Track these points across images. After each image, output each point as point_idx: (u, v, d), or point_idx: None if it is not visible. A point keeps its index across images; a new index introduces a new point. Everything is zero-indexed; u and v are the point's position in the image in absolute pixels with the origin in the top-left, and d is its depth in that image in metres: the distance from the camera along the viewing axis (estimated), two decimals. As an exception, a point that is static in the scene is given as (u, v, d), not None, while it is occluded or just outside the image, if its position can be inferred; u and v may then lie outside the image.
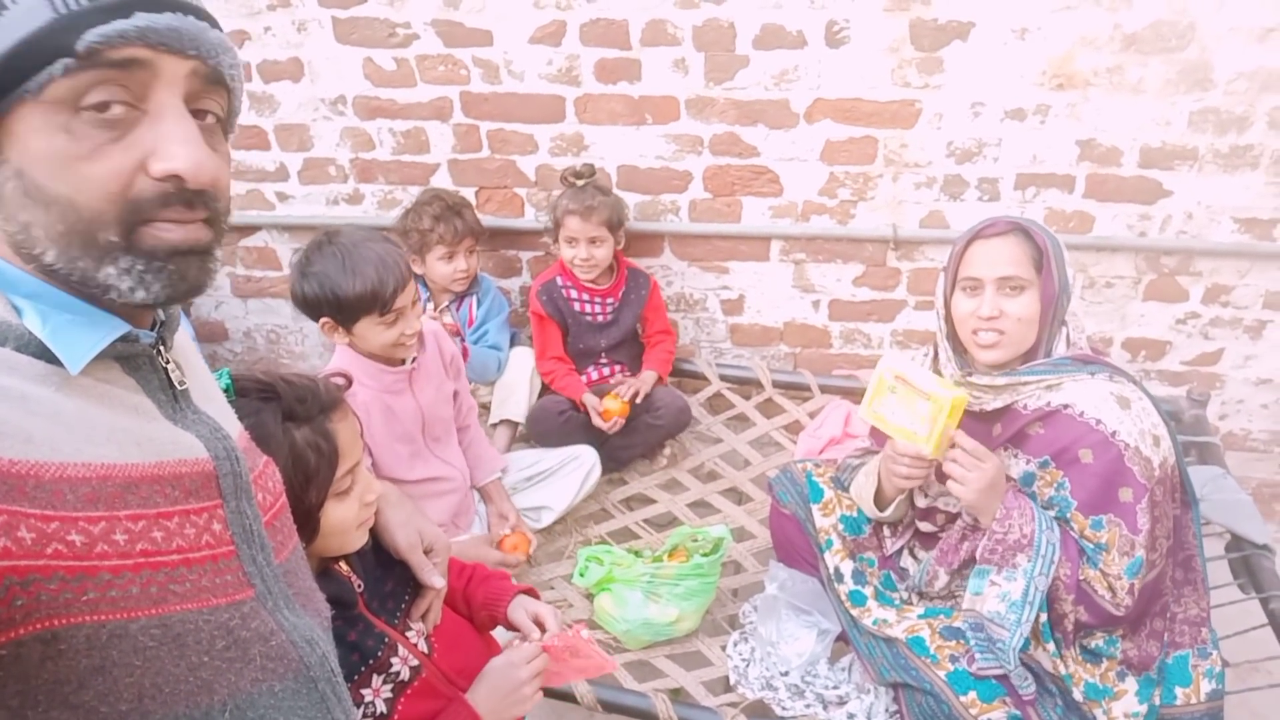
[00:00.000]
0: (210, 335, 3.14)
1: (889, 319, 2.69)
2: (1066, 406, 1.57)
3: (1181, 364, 2.58)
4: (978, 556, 1.62)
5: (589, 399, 2.48)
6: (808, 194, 2.53)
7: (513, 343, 2.71)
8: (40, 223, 0.66)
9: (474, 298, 2.63)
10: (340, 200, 2.80)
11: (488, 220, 2.72)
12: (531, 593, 1.53)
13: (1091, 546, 1.57)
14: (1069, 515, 1.59)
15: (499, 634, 1.57)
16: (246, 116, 2.68)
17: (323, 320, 1.86)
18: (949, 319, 1.68)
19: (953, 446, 1.57)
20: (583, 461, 2.38)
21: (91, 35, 0.63)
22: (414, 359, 1.99)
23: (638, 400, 2.48)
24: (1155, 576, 1.60)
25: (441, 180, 2.71)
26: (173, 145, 0.68)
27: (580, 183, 2.43)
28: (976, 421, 1.65)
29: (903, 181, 2.46)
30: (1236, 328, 2.50)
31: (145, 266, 0.69)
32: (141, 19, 0.66)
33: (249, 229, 2.91)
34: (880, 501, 1.82)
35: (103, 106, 0.66)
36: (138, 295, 0.69)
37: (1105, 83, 2.23)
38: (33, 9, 0.63)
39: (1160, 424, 1.57)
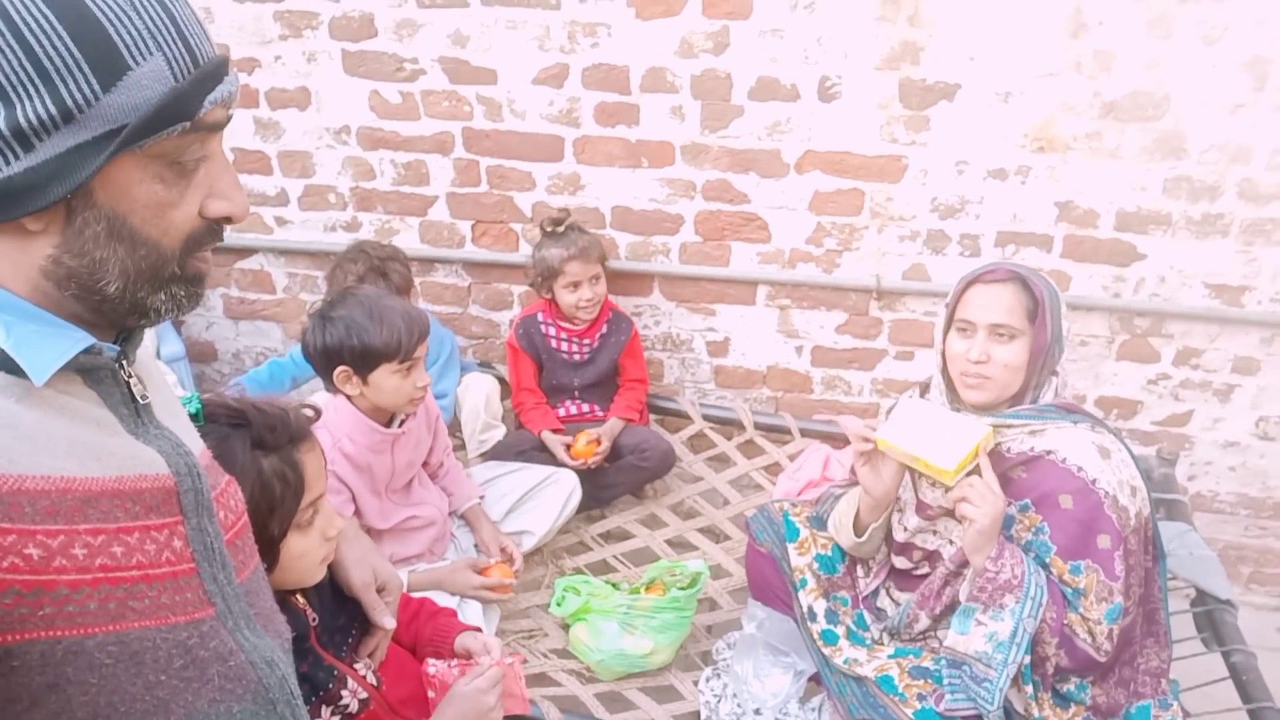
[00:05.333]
0: (200, 355, 3.15)
1: (870, 367, 2.75)
2: (1049, 452, 1.62)
3: (1152, 424, 2.64)
4: (964, 595, 1.65)
5: (547, 437, 2.49)
6: (795, 242, 2.60)
7: (465, 371, 2.72)
8: (119, 259, 0.70)
9: None
10: (338, 227, 2.85)
11: (482, 254, 2.78)
12: (476, 631, 1.56)
13: (1070, 591, 1.60)
14: (1048, 560, 1.63)
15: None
16: (251, 141, 2.73)
17: (340, 369, 1.86)
18: (944, 354, 1.73)
19: (971, 473, 1.60)
20: (562, 486, 2.37)
21: (207, 103, 0.69)
22: (402, 422, 2.00)
23: (599, 449, 2.46)
24: (1128, 624, 1.64)
25: (439, 212, 2.76)
26: (230, 190, 0.75)
27: (561, 228, 2.47)
28: None
29: (887, 234, 2.54)
30: (1206, 390, 2.56)
31: (186, 292, 0.75)
32: (229, 83, 0.72)
33: (246, 251, 2.95)
34: (858, 527, 1.85)
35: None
36: (167, 314, 0.75)
37: (1084, 147, 2.32)
38: (158, 75, 0.66)
39: (1137, 475, 1.63)
